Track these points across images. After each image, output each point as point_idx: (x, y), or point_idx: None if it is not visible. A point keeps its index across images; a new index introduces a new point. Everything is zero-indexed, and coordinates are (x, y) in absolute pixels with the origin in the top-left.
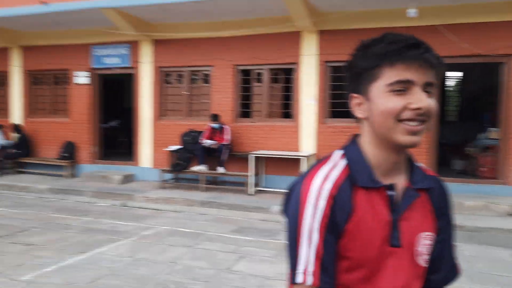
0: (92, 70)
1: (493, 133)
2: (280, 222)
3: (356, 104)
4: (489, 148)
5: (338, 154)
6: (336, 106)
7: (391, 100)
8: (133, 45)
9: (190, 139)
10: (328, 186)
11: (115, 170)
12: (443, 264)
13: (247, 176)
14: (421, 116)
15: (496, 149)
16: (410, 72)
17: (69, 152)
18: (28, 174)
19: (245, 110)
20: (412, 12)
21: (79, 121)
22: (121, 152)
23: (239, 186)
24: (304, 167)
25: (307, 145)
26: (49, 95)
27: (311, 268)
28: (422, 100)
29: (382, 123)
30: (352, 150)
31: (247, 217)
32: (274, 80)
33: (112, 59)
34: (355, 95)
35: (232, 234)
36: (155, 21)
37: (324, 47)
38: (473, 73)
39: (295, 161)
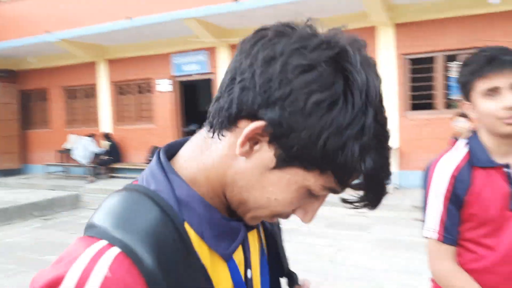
0: (173, 77)
1: None
2: (369, 216)
3: (468, 109)
4: None
5: (462, 143)
6: (417, 99)
7: (486, 104)
8: (211, 52)
9: None
10: (450, 168)
11: None
12: None
13: None
14: None
15: None
16: (495, 80)
17: None
18: (119, 178)
19: None
20: None
21: (163, 126)
22: None
23: None
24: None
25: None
26: (134, 104)
27: (436, 228)
28: (508, 100)
29: (485, 121)
30: (473, 140)
31: (337, 213)
32: None
33: (191, 66)
34: (465, 102)
35: (324, 228)
36: (231, 27)
37: (401, 40)
38: None
39: None
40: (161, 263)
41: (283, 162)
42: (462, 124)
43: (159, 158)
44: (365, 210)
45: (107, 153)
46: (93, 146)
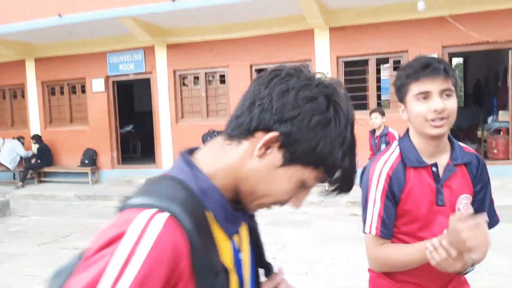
0: (108, 77)
1: (502, 116)
2: (310, 213)
3: (402, 110)
4: (500, 131)
5: (395, 144)
6: (351, 99)
7: (418, 106)
8: (148, 51)
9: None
10: (386, 168)
11: (137, 174)
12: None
13: None
14: (440, 114)
15: (507, 131)
16: (427, 85)
17: (90, 159)
18: (51, 183)
19: None
20: (421, 5)
21: (98, 128)
22: (135, 156)
23: None
24: None
25: None
26: (67, 104)
27: (374, 224)
28: (437, 104)
29: (416, 122)
30: (404, 141)
31: (280, 210)
32: None
33: (127, 66)
34: (399, 104)
35: (268, 226)
36: (169, 26)
37: (336, 43)
38: (475, 59)
39: None
40: (197, 227)
41: (288, 161)
42: (375, 120)
43: (184, 157)
44: (339, 195)
45: (36, 156)
46: (20, 149)
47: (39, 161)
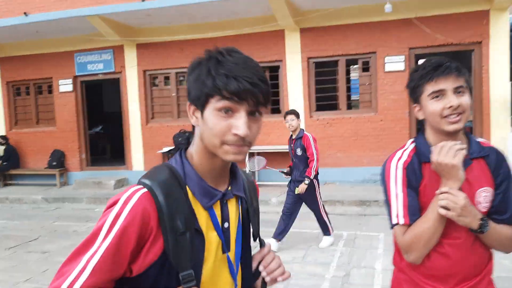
0: (76, 77)
1: None
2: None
3: (417, 110)
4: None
5: (410, 140)
6: (322, 100)
7: (433, 105)
8: (117, 50)
9: (183, 139)
10: (402, 162)
11: (107, 175)
12: (507, 207)
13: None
14: (456, 110)
15: (471, 130)
16: (441, 84)
17: (58, 161)
18: (17, 186)
19: None
20: (388, 7)
21: (66, 129)
22: (106, 157)
23: None
24: None
25: None
26: (33, 105)
27: (401, 213)
28: (453, 101)
29: (432, 120)
30: (419, 138)
31: None
32: None
33: (96, 65)
34: (414, 105)
35: None
36: (138, 26)
37: (306, 44)
38: None
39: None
40: (167, 198)
41: (201, 107)
42: (292, 122)
43: (180, 151)
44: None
45: (2, 158)
46: None
47: (5, 163)
